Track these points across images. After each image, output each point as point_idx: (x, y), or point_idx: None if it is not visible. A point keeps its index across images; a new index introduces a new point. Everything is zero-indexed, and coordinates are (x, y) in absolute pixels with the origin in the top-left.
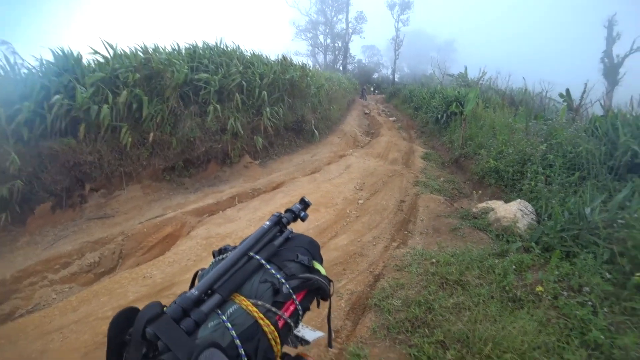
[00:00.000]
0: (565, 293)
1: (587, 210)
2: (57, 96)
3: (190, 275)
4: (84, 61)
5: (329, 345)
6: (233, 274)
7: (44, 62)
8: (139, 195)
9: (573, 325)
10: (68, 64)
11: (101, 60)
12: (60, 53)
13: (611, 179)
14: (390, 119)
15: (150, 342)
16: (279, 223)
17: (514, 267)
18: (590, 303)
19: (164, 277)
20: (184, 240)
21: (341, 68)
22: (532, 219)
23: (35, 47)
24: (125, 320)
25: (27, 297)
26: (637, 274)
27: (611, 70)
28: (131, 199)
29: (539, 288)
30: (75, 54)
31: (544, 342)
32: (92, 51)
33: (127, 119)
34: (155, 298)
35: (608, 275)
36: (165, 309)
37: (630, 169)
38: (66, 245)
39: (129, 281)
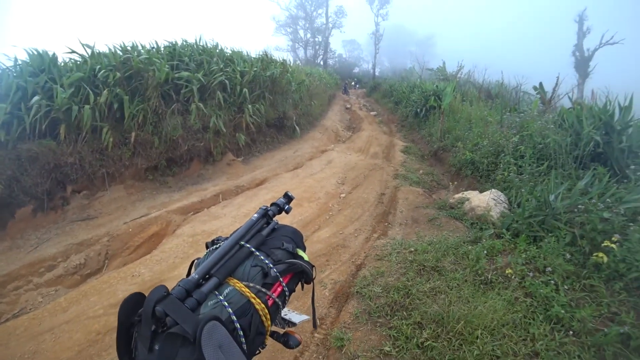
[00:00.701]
0: (531, 274)
1: (552, 197)
2: (36, 97)
3: (178, 272)
4: (60, 61)
5: (314, 325)
6: (227, 260)
7: (19, 62)
8: (123, 196)
9: (538, 302)
10: (44, 64)
11: (79, 60)
12: (35, 53)
13: (575, 167)
14: (371, 113)
15: (158, 319)
16: (265, 215)
17: (485, 252)
18: (553, 282)
19: (153, 275)
20: (170, 239)
21: (322, 63)
22: (504, 207)
23: (6, 46)
24: (133, 303)
25: (12, 301)
26: (595, 254)
27: (582, 64)
28: (115, 199)
29: (508, 270)
30: (50, 54)
31: (511, 318)
32: (69, 50)
33: (107, 119)
34: None
35: (569, 257)
36: (170, 291)
37: (593, 158)
38: (50, 248)
39: (117, 280)
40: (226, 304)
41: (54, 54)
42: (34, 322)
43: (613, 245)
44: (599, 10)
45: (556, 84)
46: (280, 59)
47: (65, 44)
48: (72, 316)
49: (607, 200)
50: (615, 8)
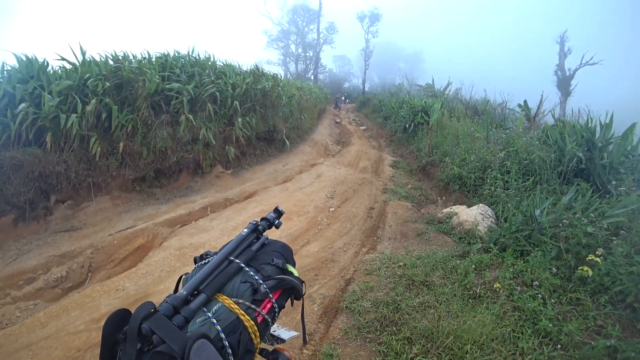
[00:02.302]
0: (519, 288)
1: (537, 212)
2: (23, 104)
3: (164, 286)
4: (50, 68)
5: (304, 341)
6: (216, 276)
7: (7, 67)
8: (108, 207)
9: (526, 316)
10: (33, 71)
11: (69, 67)
12: (24, 59)
13: (560, 183)
14: (361, 127)
15: (144, 338)
16: (255, 230)
17: (474, 266)
18: (540, 296)
19: (137, 289)
20: (157, 252)
21: (312, 77)
22: (491, 221)
23: None
24: (118, 320)
25: None
26: (580, 268)
27: (564, 82)
28: (100, 210)
29: (497, 285)
30: (40, 60)
31: (500, 333)
32: (59, 57)
33: (96, 129)
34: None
35: (555, 270)
36: (157, 307)
37: (576, 174)
38: (30, 260)
39: (100, 294)
40: (215, 321)
41: (44, 60)
42: (11, 338)
43: (597, 259)
44: (580, 32)
45: (540, 101)
46: (272, 73)
47: (56, 51)
48: (51, 332)
49: (591, 214)
50: (594, 31)
